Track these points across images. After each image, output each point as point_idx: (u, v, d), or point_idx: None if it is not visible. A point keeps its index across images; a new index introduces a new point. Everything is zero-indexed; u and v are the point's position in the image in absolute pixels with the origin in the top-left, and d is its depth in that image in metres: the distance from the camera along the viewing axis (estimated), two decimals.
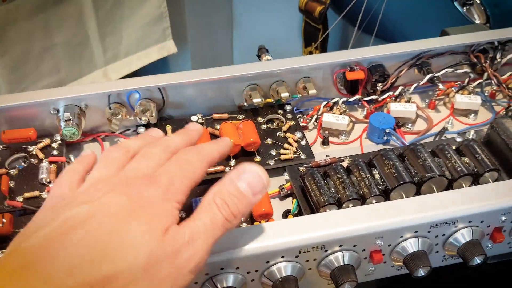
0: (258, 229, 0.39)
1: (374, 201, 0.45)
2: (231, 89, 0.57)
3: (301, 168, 0.50)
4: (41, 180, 0.49)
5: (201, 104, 0.57)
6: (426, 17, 0.96)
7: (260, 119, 0.56)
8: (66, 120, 0.52)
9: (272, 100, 0.58)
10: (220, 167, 0.50)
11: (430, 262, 0.41)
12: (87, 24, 0.93)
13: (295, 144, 0.53)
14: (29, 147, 0.53)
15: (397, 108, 0.57)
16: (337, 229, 0.39)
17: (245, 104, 0.57)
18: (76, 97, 0.53)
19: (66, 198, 0.34)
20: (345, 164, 0.49)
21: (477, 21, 0.88)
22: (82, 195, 0.33)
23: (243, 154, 0.52)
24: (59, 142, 0.54)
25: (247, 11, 1.26)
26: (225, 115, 0.56)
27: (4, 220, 0.43)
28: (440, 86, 0.59)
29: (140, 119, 0.54)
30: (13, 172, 0.50)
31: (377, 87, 0.58)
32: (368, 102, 0.59)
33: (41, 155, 0.52)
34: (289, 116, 0.57)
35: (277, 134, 0.54)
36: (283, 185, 0.50)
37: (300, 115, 0.59)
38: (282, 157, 0.52)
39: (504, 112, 0.58)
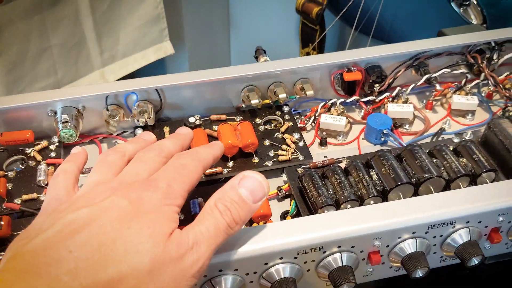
0: (256, 230, 0.39)
1: (372, 202, 0.45)
2: (229, 90, 0.57)
3: (299, 169, 0.50)
4: (39, 182, 0.49)
5: (199, 106, 0.57)
6: (423, 17, 0.96)
7: (258, 120, 0.56)
8: (63, 122, 0.52)
9: (270, 101, 0.58)
10: (218, 169, 0.50)
11: (428, 263, 0.41)
12: (83, 25, 0.93)
13: (293, 145, 0.53)
14: (26, 149, 0.53)
15: (395, 109, 0.57)
16: (335, 230, 0.39)
17: (243, 105, 0.57)
18: (74, 98, 0.53)
19: (65, 202, 0.34)
20: (343, 165, 0.49)
21: (474, 22, 0.89)
22: (81, 199, 0.33)
23: (241, 156, 0.52)
24: (57, 144, 0.54)
25: (244, 12, 1.26)
26: (223, 116, 0.56)
27: (2, 223, 0.43)
28: (437, 86, 0.59)
29: (138, 120, 0.54)
30: (10, 174, 0.50)
31: (375, 88, 0.58)
32: (366, 103, 0.59)
33: (38, 157, 0.52)
34: (287, 117, 0.57)
35: (275, 135, 0.54)
36: (281, 186, 0.50)
37: (298, 116, 0.59)
38: (280, 158, 0.52)
39: (501, 113, 0.58)
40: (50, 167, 0.51)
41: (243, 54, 1.26)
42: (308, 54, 1.08)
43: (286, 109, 0.58)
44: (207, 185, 0.50)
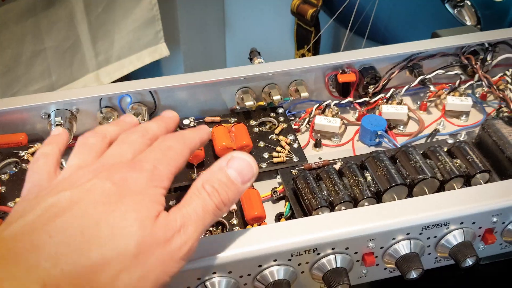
0: (250, 232, 0.39)
1: (366, 203, 0.45)
2: (223, 92, 0.57)
3: (293, 171, 0.50)
4: None
5: (193, 108, 0.57)
6: (418, 18, 0.97)
7: (253, 122, 0.56)
8: (57, 125, 0.52)
9: (264, 103, 0.58)
10: None
11: (422, 264, 0.41)
12: (78, 28, 0.93)
13: (287, 147, 0.53)
14: (20, 152, 0.53)
15: (389, 110, 0.57)
16: (329, 232, 0.39)
17: (237, 107, 0.57)
18: (67, 101, 0.53)
19: (46, 188, 0.33)
20: (337, 166, 0.49)
21: (468, 23, 0.89)
22: (63, 183, 0.32)
23: None
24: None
25: (239, 14, 1.26)
26: (217, 118, 0.56)
27: None
28: (432, 88, 0.60)
29: None
30: (4, 177, 0.50)
31: (369, 89, 0.58)
32: (360, 104, 0.59)
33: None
34: (281, 118, 0.57)
35: (270, 137, 0.54)
36: (276, 188, 0.50)
37: (292, 118, 0.59)
38: (275, 160, 0.52)
39: (495, 113, 0.59)
40: None
41: (238, 56, 1.26)
42: (303, 55, 1.08)
43: (280, 110, 0.58)
44: None
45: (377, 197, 0.46)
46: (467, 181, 0.47)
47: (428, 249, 0.42)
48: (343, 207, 0.44)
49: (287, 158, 0.52)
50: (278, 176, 0.51)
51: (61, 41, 0.91)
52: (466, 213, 0.40)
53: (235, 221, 0.46)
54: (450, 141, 0.53)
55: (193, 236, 0.32)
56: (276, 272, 0.39)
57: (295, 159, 0.52)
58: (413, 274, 0.40)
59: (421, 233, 0.41)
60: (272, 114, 0.57)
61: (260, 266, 0.38)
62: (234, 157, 0.35)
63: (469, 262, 0.41)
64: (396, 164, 0.48)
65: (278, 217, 0.48)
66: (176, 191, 0.50)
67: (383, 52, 0.59)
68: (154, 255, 0.30)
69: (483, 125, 0.53)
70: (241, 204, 0.46)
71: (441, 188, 0.47)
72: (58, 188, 0.31)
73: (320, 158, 0.54)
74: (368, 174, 0.47)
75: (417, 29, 0.96)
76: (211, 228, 0.46)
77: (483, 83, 0.60)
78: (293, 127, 0.56)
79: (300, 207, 0.47)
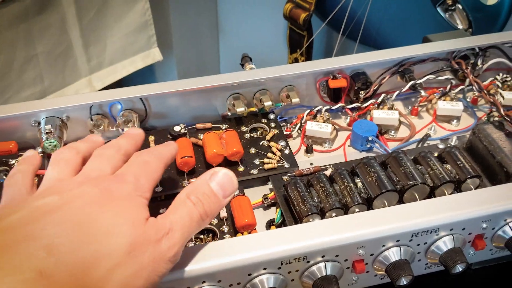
0: (239, 241, 0.39)
1: (357, 209, 0.45)
2: (214, 98, 0.57)
3: (284, 177, 0.50)
4: None
5: (184, 114, 0.57)
6: (410, 23, 0.97)
7: (244, 128, 0.56)
8: (47, 133, 0.52)
9: (256, 109, 0.58)
10: None
11: (412, 271, 0.41)
12: (70, 33, 0.93)
13: (278, 153, 0.53)
14: (10, 160, 0.52)
15: (380, 115, 0.57)
16: (318, 240, 0.39)
17: (229, 113, 0.57)
18: (57, 109, 0.53)
19: (27, 198, 0.34)
20: (328, 172, 0.49)
21: (460, 26, 0.89)
22: (47, 191, 0.33)
23: (227, 164, 0.52)
24: (41, 154, 0.53)
25: (232, 19, 1.26)
26: (209, 125, 0.56)
27: None
28: (422, 92, 0.60)
29: (123, 130, 0.54)
30: None
31: (360, 95, 0.58)
32: (351, 109, 0.59)
33: None
34: (272, 124, 0.57)
35: (261, 143, 0.54)
36: (267, 194, 0.50)
37: (284, 124, 0.59)
38: (266, 166, 0.51)
39: (486, 118, 0.59)
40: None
41: (232, 60, 1.26)
42: (296, 59, 1.09)
43: (272, 116, 0.57)
44: None
45: (368, 204, 0.46)
46: (458, 186, 0.47)
47: (418, 256, 0.42)
48: (333, 214, 0.44)
49: (278, 165, 0.52)
50: (269, 183, 0.51)
51: (53, 46, 0.91)
52: (456, 219, 0.40)
53: (225, 229, 0.46)
54: (441, 146, 0.53)
55: (180, 241, 0.34)
56: (266, 280, 0.39)
57: (286, 165, 0.52)
58: (403, 281, 0.40)
59: (411, 240, 0.41)
60: (264, 120, 0.57)
61: (250, 274, 0.38)
62: (217, 172, 0.37)
63: (459, 268, 0.41)
64: (386, 170, 0.48)
65: (269, 224, 0.48)
66: (168, 199, 0.50)
67: (374, 57, 0.59)
68: (146, 254, 0.31)
69: (473, 129, 0.53)
70: (232, 211, 0.46)
71: (431, 194, 0.47)
72: (43, 194, 0.32)
73: (311, 164, 0.54)
74: (359, 180, 0.47)
75: (409, 33, 0.96)
76: (201, 236, 0.46)
77: (474, 87, 0.60)
78: (285, 133, 0.56)
79: (291, 213, 0.47)
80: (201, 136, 0.55)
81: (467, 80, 0.61)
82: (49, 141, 0.51)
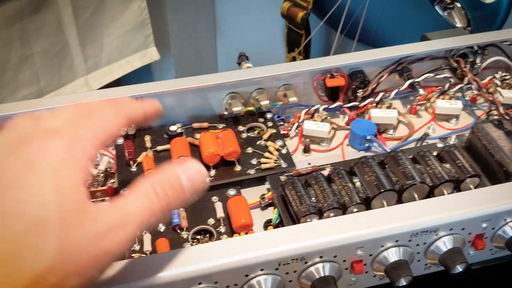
0: (236, 241, 0.38)
1: (355, 209, 0.44)
2: (211, 97, 0.56)
3: (282, 177, 0.49)
4: None
5: (180, 114, 0.56)
6: (408, 21, 0.96)
7: (241, 128, 0.56)
8: None
9: (253, 108, 0.57)
10: None
11: (412, 271, 0.40)
12: (66, 32, 0.92)
13: (276, 153, 0.52)
14: None
15: (378, 114, 0.56)
16: (316, 240, 0.38)
17: (226, 112, 0.57)
18: (53, 108, 0.52)
19: None
20: (326, 172, 0.48)
21: (458, 25, 0.89)
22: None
23: (223, 164, 0.51)
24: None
25: (230, 17, 1.26)
26: (205, 124, 0.56)
27: None
28: (421, 91, 0.59)
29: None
30: None
31: (358, 94, 0.58)
32: (349, 108, 0.59)
33: None
34: (269, 124, 0.56)
35: (258, 142, 0.54)
36: (264, 194, 0.50)
37: (281, 123, 0.58)
38: (263, 166, 0.51)
39: (485, 117, 0.58)
40: None
41: (230, 59, 1.25)
42: (294, 58, 1.08)
43: (269, 116, 0.57)
44: None
45: (366, 203, 0.45)
46: (457, 186, 0.47)
47: (417, 256, 0.42)
48: (331, 214, 0.44)
49: (276, 164, 0.51)
50: (267, 183, 0.50)
51: (49, 46, 0.90)
52: (455, 219, 0.40)
53: (222, 229, 0.45)
54: (440, 145, 0.53)
55: (132, 237, 0.30)
56: (264, 281, 0.38)
57: (284, 165, 0.51)
58: (403, 282, 0.40)
59: (410, 240, 0.40)
60: (261, 120, 0.57)
61: (247, 275, 0.38)
62: (190, 166, 0.33)
63: (459, 268, 0.41)
64: (385, 170, 0.47)
65: (267, 224, 0.48)
66: None
67: (372, 55, 0.58)
68: (82, 253, 0.28)
69: (473, 128, 0.52)
70: (229, 212, 0.45)
71: (430, 193, 0.46)
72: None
73: (309, 164, 0.54)
74: (357, 179, 0.47)
75: (407, 32, 0.96)
76: (198, 236, 0.45)
77: (473, 86, 0.59)
78: (282, 132, 0.56)
79: (289, 214, 0.46)
80: (197, 135, 0.54)
81: (466, 78, 0.60)
82: None
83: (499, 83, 0.60)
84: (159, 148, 0.53)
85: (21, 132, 0.31)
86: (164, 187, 0.31)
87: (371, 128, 0.54)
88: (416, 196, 0.46)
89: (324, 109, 0.57)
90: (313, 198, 0.45)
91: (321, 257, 0.39)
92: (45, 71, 0.92)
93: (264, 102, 0.56)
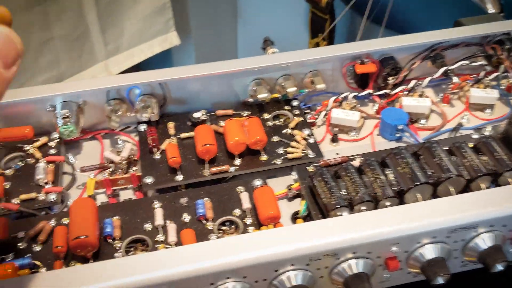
0: (266, 235, 0.37)
1: (387, 203, 0.42)
2: (236, 84, 0.54)
3: (309, 168, 0.48)
4: (37, 181, 0.47)
5: (204, 100, 0.54)
6: (439, 6, 0.93)
7: (266, 115, 0.54)
8: (63, 118, 0.50)
9: (279, 95, 0.55)
10: (225, 167, 0.48)
11: (449, 269, 0.38)
12: (87, 17, 0.91)
13: (303, 142, 0.50)
14: (25, 146, 0.51)
15: (410, 103, 0.54)
16: (350, 236, 0.36)
17: (250, 99, 0.55)
18: (74, 93, 0.51)
19: None
20: (356, 163, 0.46)
21: (491, 11, 0.85)
22: None
23: (249, 153, 0.49)
24: (57, 140, 0.52)
25: (251, 2, 1.23)
26: (230, 111, 0.54)
27: None
28: (455, 79, 0.56)
29: (141, 115, 0.52)
30: (8, 172, 0.48)
31: (389, 81, 0.55)
32: (380, 96, 0.56)
33: (38, 154, 0.50)
34: (296, 112, 0.54)
35: (284, 131, 0.52)
36: (291, 185, 0.48)
37: (308, 111, 0.56)
38: (290, 155, 0.49)
39: None
40: (50, 164, 0.49)
41: (250, 45, 1.23)
42: (317, 44, 1.05)
43: (295, 103, 0.55)
44: (212, 184, 0.48)
45: (399, 197, 0.43)
46: (495, 179, 0.45)
47: (455, 253, 0.40)
48: (363, 207, 0.42)
49: (303, 154, 0.49)
50: (293, 173, 0.49)
51: (69, 30, 0.89)
52: (497, 215, 0.38)
53: (248, 221, 0.44)
54: (475, 136, 0.50)
55: None
56: (294, 277, 0.36)
57: (311, 155, 0.49)
58: (440, 280, 0.38)
59: (448, 237, 0.38)
60: (287, 107, 0.55)
61: (276, 270, 0.36)
62: None
63: (499, 267, 0.39)
64: (419, 161, 0.45)
65: (294, 216, 0.46)
66: (188, 188, 0.48)
67: (404, 41, 0.56)
68: None
69: (509, 119, 0.50)
70: (255, 203, 0.44)
71: (467, 187, 0.44)
72: None
73: (337, 154, 0.52)
74: (390, 171, 0.45)
75: (438, 18, 0.92)
76: (223, 228, 0.44)
77: (509, 74, 0.57)
78: (309, 120, 0.54)
79: (317, 206, 0.44)
80: (221, 123, 0.52)
81: (502, 66, 0.57)
82: (65, 127, 0.49)
83: None
84: (183, 135, 0.51)
85: None
86: None
87: (403, 117, 0.52)
88: (452, 190, 0.43)
89: (353, 97, 0.55)
90: (343, 190, 0.43)
91: (354, 253, 0.37)
92: (65, 55, 0.91)
93: (291, 89, 0.54)
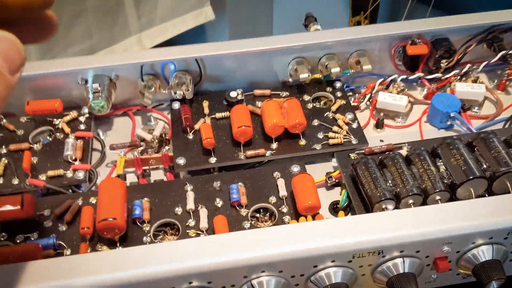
0: (305, 228, 0.34)
1: (438, 197, 0.39)
2: (275, 62, 0.51)
3: (352, 155, 0.44)
4: (65, 157, 0.45)
5: (241, 78, 0.51)
6: None
7: (306, 97, 0.51)
8: (94, 92, 0.48)
9: (320, 76, 0.52)
10: (261, 150, 0.45)
11: (505, 272, 0.35)
12: None
13: (345, 127, 0.47)
14: (54, 120, 0.49)
15: (464, 89, 0.50)
16: (398, 233, 0.33)
17: (290, 79, 0.51)
18: (106, 67, 0.49)
19: None
20: (404, 152, 0.43)
21: None
22: None
23: (287, 137, 0.46)
24: (87, 115, 0.50)
25: None
26: (268, 92, 0.51)
27: (24, 202, 0.39)
28: None
29: (175, 93, 0.49)
30: (36, 147, 0.47)
31: (442, 64, 0.51)
32: (429, 80, 0.52)
33: (67, 129, 0.48)
34: (338, 94, 0.51)
35: (325, 114, 0.49)
36: (331, 173, 0.45)
37: (350, 93, 0.53)
38: (331, 141, 0.46)
39: None
40: (78, 140, 0.47)
41: (286, 21, 1.19)
42: (358, 23, 1.00)
43: (338, 85, 0.51)
44: (247, 169, 0.45)
45: (451, 191, 0.39)
46: None
47: (511, 255, 0.36)
48: (410, 201, 0.39)
49: (345, 140, 0.46)
50: (334, 160, 0.45)
51: (103, 1, 0.87)
52: None
53: (284, 209, 0.41)
54: None
55: None
56: (333, 274, 0.34)
57: (354, 141, 0.46)
58: (494, 285, 0.35)
59: (506, 238, 0.35)
60: (329, 89, 0.51)
61: (315, 266, 0.33)
62: None
63: None
64: (474, 153, 0.41)
65: (333, 207, 0.43)
66: (221, 171, 0.45)
67: (459, 21, 0.52)
68: None
69: None
70: (293, 190, 0.41)
71: None
72: None
73: (381, 141, 0.48)
74: (441, 163, 0.41)
75: None
76: (257, 215, 0.41)
77: None
78: (352, 104, 0.50)
79: (360, 197, 0.41)
80: (259, 103, 0.50)
81: None
82: (96, 102, 0.47)
83: None
84: (218, 115, 0.49)
85: None
86: None
87: (456, 103, 0.48)
88: (509, 185, 0.40)
89: (401, 80, 0.51)
90: (390, 182, 0.40)
91: (401, 251, 0.34)
92: (98, 27, 0.88)
93: (334, 70, 0.50)
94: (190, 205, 0.41)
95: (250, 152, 0.45)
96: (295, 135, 0.46)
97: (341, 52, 0.51)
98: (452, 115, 0.48)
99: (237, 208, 0.41)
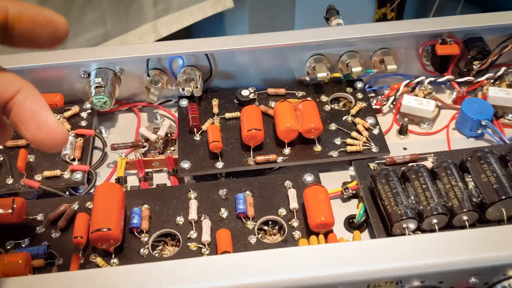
0: (314, 251, 0.30)
1: (465, 217, 0.35)
2: (292, 59, 0.47)
3: (371, 165, 0.41)
4: (63, 156, 0.43)
5: (254, 76, 0.48)
6: None
7: (324, 98, 0.47)
8: (97, 87, 0.45)
9: (340, 75, 0.48)
10: (272, 156, 0.42)
11: None
12: None
13: (365, 133, 0.43)
14: (55, 114, 0.46)
15: (497, 94, 0.46)
16: (419, 261, 0.29)
17: (307, 78, 0.48)
18: (111, 60, 0.46)
19: None
20: (429, 164, 0.39)
21: None
22: None
23: (301, 141, 0.43)
24: (89, 111, 0.47)
25: None
26: (282, 91, 0.47)
27: (15, 206, 0.36)
28: None
29: (183, 89, 0.46)
30: None
31: (474, 66, 0.47)
32: (459, 84, 0.48)
33: (67, 126, 0.45)
34: (359, 95, 0.47)
35: (344, 118, 0.45)
36: (348, 183, 0.41)
37: (373, 95, 0.49)
38: (349, 148, 0.42)
39: None
40: (79, 138, 0.44)
41: (309, 12, 1.14)
42: (384, 15, 0.96)
43: (359, 85, 0.48)
44: (256, 175, 0.42)
45: (480, 211, 0.36)
46: None
47: None
48: (434, 221, 0.35)
49: (364, 147, 0.42)
50: (351, 168, 0.42)
51: None
52: None
53: (295, 223, 0.37)
54: None
55: None
56: None
57: (375, 149, 0.42)
58: None
59: None
60: (349, 89, 0.48)
61: None
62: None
63: None
64: (507, 168, 0.37)
65: (349, 221, 0.40)
66: (228, 177, 0.42)
67: (494, 20, 0.47)
68: None
69: None
70: (305, 203, 0.37)
71: None
72: None
73: (405, 149, 0.44)
74: (470, 179, 0.37)
75: None
76: (265, 227, 0.38)
77: None
78: (374, 107, 0.46)
79: (378, 212, 0.37)
80: (272, 104, 0.46)
81: None
82: (98, 97, 0.44)
83: None
84: (228, 115, 0.45)
85: None
86: None
87: (488, 110, 0.44)
88: None
89: (429, 83, 0.47)
90: (412, 198, 0.36)
91: (422, 281, 0.30)
92: (112, 13, 0.85)
93: (356, 69, 0.46)
94: (193, 215, 0.38)
95: (260, 158, 0.42)
96: (310, 140, 0.43)
97: (364, 49, 0.47)
98: (483, 123, 0.44)
99: (243, 220, 0.38)
